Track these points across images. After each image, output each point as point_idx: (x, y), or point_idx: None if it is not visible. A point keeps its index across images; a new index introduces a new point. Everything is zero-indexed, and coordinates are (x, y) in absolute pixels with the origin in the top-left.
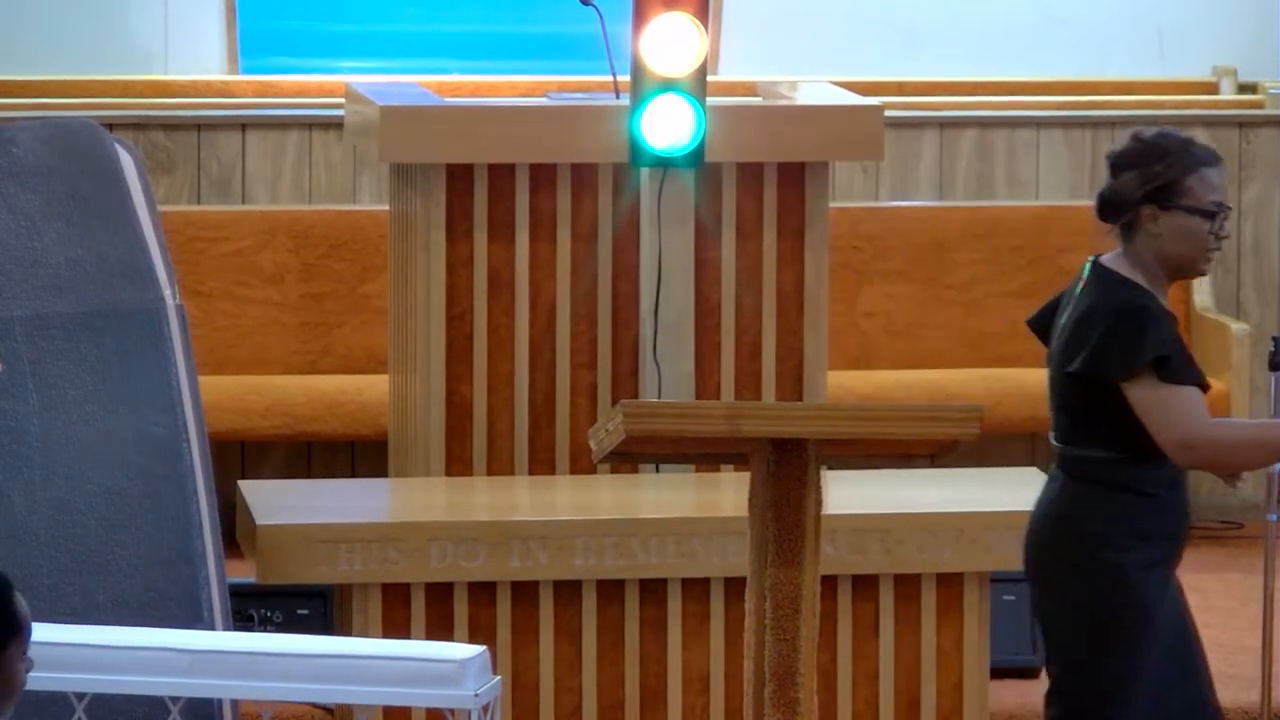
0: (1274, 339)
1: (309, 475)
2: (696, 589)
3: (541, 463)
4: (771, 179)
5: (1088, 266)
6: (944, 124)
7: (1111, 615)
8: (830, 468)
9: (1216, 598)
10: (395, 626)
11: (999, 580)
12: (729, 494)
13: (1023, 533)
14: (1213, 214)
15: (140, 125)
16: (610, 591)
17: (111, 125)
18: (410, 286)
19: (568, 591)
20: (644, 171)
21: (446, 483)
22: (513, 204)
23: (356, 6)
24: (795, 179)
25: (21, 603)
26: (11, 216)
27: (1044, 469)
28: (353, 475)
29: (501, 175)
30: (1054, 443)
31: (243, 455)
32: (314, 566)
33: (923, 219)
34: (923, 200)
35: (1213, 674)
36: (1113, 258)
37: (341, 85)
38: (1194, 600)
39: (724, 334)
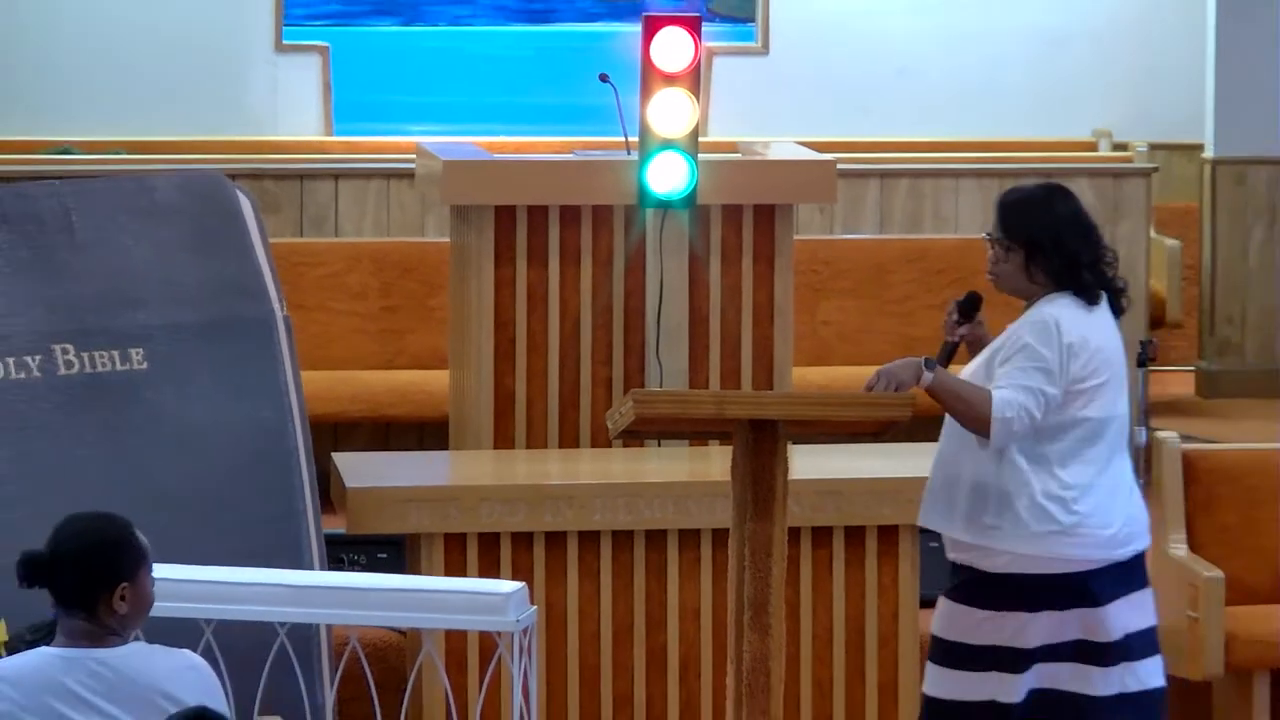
0: (1141, 342)
1: (387, 449)
2: (690, 539)
3: (569, 439)
4: (749, 217)
5: None
6: (884, 174)
7: None
8: (795, 442)
9: None
10: (454, 568)
11: (926, 531)
12: (716, 463)
13: None
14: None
15: (255, 175)
16: (622, 541)
17: (233, 175)
18: (466, 301)
19: (589, 540)
20: (649, 211)
21: (494, 455)
22: (546, 237)
23: (426, 83)
24: (767, 217)
25: (143, 537)
26: (153, 247)
27: None
28: (421, 449)
29: (538, 214)
30: None
31: (335, 434)
32: (391, 520)
33: (867, 248)
34: (867, 234)
35: None
36: None
37: (413, 144)
38: None
39: (712, 338)
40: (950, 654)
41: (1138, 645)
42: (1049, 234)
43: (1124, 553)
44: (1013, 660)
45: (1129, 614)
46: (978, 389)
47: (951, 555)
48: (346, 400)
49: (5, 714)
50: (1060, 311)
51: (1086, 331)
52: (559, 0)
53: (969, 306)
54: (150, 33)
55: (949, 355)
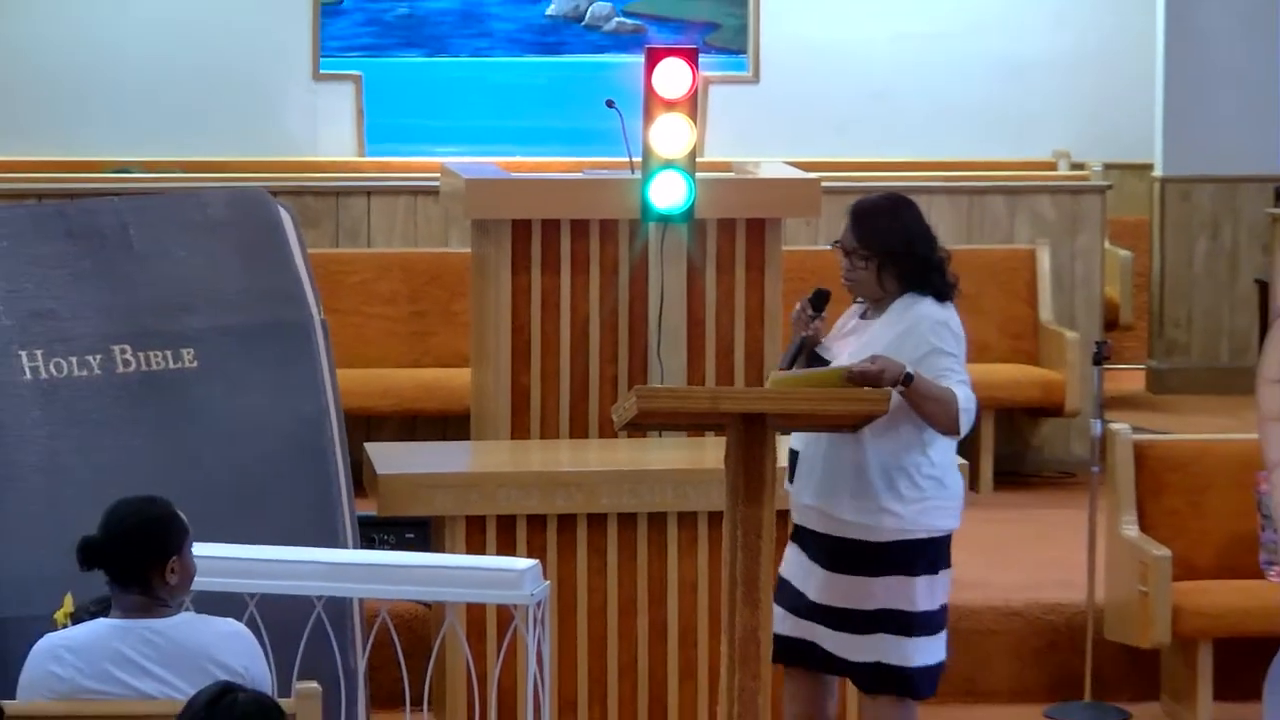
0: (1096, 343)
1: (414, 440)
2: (688, 520)
3: (578, 430)
4: (742, 230)
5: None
6: (863, 191)
7: None
8: (784, 433)
9: (1055, 528)
10: (474, 547)
11: None
12: (711, 452)
13: None
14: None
15: (295, 192)
16: (627, 522)
17: (275, 192)
18: (485, 306)
19: (597, 522)
20: (651, 225)
21: (511, 445)
22: (559, 248)
23: (450, 109)
24: (758, 230)
25: (183, 515)
26: (203, 257)
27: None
28: (445, 440)
29: (551, 228)
30: None
31: (367, 426)
32: (418, 504)
33: None
34: None
35: (1053, 580)
36: None
37: (438, 164)
38: (1038, 530)
39: (708, 340)
40: (845, 620)
41: (934, 621)
42: (901, 242)
43: (956, 524)
44: (902, 622)
45: (939, 589)
46: (946, 389)
47: (824, 529)
48: (378, 396)
49: (68, 679)
50: (938, 311)
51: (956, 326)
52: (570, 34)
53: (820, 302)
54: (202, 65)
55: (801, 349)
